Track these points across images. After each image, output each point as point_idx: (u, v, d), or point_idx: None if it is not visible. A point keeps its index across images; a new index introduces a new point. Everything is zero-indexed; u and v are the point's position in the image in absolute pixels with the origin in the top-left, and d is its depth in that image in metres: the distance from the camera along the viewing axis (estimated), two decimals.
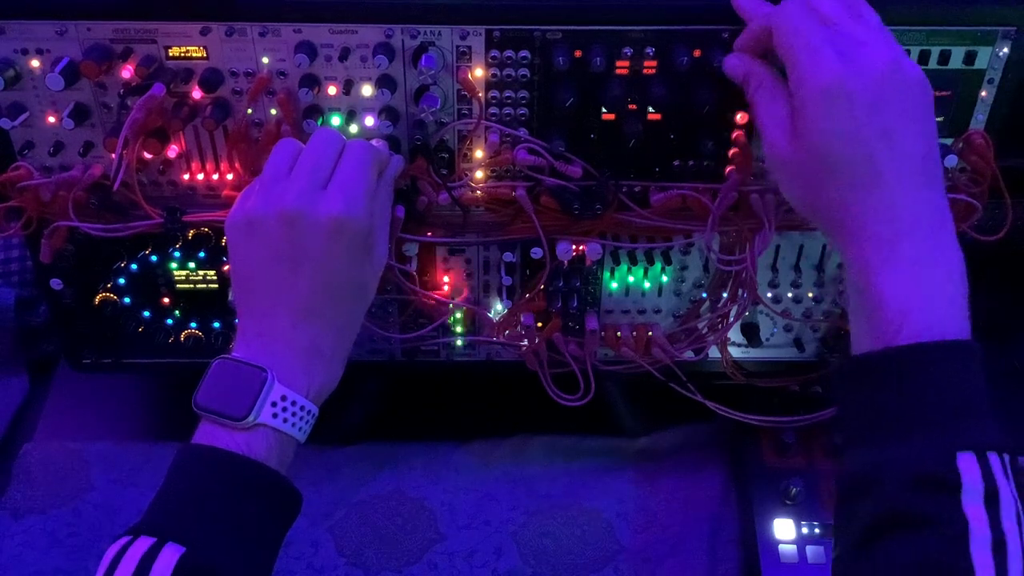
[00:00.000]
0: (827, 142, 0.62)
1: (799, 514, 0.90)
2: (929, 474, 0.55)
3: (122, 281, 0.86)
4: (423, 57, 0.73)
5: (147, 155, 0.76)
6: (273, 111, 0.76)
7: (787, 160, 0.65)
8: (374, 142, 0.76)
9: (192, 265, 0.86)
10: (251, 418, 0.63)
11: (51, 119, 0.76)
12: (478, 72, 0.75)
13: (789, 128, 0.64)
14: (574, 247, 0.81)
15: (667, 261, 0.86)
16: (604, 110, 0.77)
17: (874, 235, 0.61)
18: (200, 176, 0.80)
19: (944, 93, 0.76)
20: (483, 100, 0.76)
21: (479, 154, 0.79)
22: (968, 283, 0.61)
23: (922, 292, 0.59)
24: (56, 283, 0.85)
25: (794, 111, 0.64)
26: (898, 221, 0.60)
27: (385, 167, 0.74)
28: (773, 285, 0.89)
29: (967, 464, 0.55)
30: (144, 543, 0.59)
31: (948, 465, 0.55)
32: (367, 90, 0.76)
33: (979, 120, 0.78)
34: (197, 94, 0.75)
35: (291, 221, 0.66)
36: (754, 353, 0.93)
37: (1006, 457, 0.56)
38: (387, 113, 0.76)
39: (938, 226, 0.61)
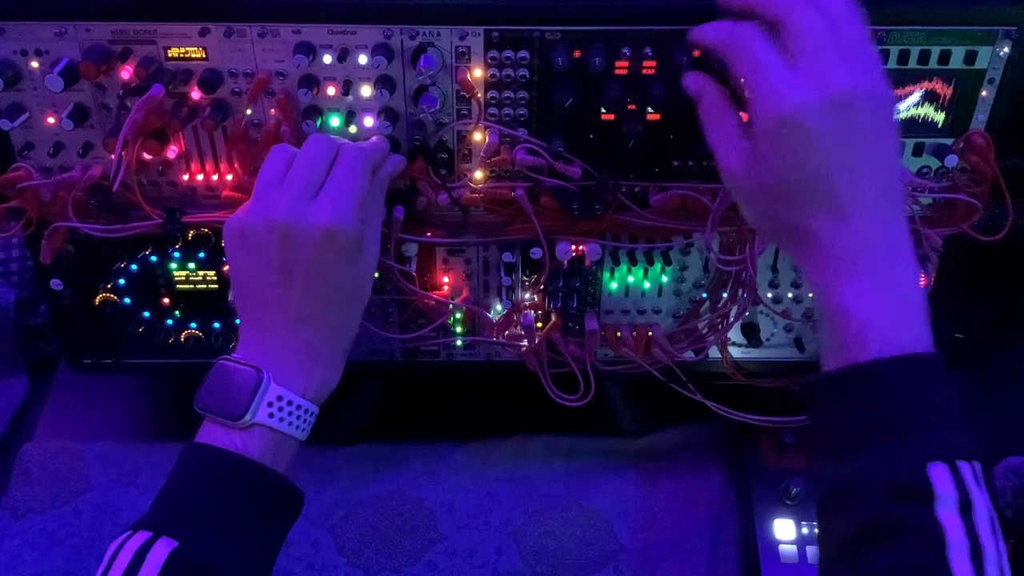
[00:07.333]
0: (783, 170, 0.62)
1: (799, 514, 0.90)
2: (903, 484, 0.55)
3: (122, 282, 0.86)
4: (422, 57, 0.73)
5: (146, 156, 0.76)
6: (272, 112, 0.76)
7: (744, 184, 0.66)
8: (374, 139, 0.76)
9: (192, 266, 0.86)
10: (247, 418, 0.64)
11: (51, 120, 0.77)
12: (477, 72, 0.75)
13: (745, 154, 0.65)
14: (574, 247, 0.81)
15: (667, 261, 0.86)
16: (603, 110, 0.76)
17: (833, 254, 0.62)
18: (199, 177, 0.80)
19: (947, 89, 0.76)
20: (482, 100, 0.76)
21: (479, 154, 0.79)
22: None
23: (883, 307, 0.60)
24: (56, 283, 0.85)
25: (751, 138, 0.64)
26: (856, 240, 0.61)
27: (382, 166, 0.74)
28: (773, 285, 0.89)
29: (939, 473, 0.55)
30: (141, 537, 0.60)
31: (920, 475, 0.55)
32: (366, 90, 0.76)
33: (979, 120, 0.78)
34: (196, 95, 0.75)
35: (282, 231, 0.66)
36: (754, 353, 0.93)
37: (977, 466, 0.57)
38: (386, 113, 0.76)
39: (895, 244, 0.62)
